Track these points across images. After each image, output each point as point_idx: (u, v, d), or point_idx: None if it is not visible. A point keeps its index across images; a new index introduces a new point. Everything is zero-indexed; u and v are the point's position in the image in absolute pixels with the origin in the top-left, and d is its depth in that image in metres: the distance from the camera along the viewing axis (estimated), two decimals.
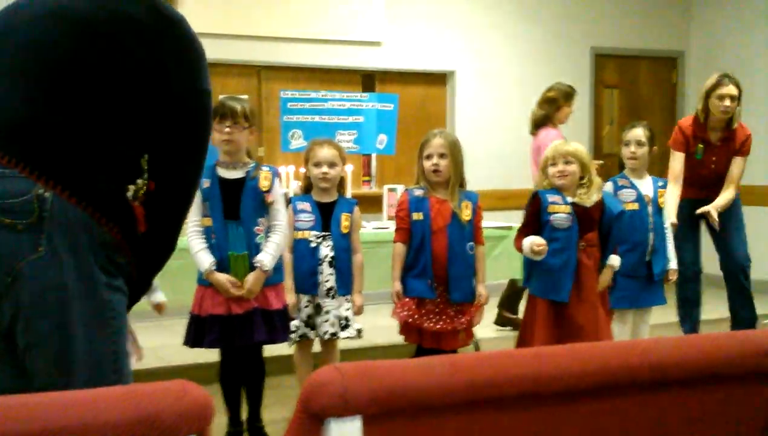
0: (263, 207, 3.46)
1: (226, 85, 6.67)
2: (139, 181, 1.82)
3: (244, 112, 3.42)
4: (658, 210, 4.11)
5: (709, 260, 5.73)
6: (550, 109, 5.66)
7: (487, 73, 7.72)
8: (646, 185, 4.12)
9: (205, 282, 3.44)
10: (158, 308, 3.25)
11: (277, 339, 3.51)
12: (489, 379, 1.20)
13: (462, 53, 7.62)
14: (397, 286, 3.59)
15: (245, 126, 3.43)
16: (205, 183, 3.38)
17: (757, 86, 7.60)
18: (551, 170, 3.54)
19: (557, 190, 3.53)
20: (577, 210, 3.50)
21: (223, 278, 3.36)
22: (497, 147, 7.66)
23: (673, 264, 4.16)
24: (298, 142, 5.34)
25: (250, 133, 3.48)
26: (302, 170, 3.85)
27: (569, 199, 3.51)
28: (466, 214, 3.60)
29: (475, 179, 7.52)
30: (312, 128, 5.39)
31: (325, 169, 3.64)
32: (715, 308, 6.06)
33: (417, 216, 3.59)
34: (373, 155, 7.14)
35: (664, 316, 5.28)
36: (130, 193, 1.81)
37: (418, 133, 4.16)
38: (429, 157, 3.60)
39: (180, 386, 1.13)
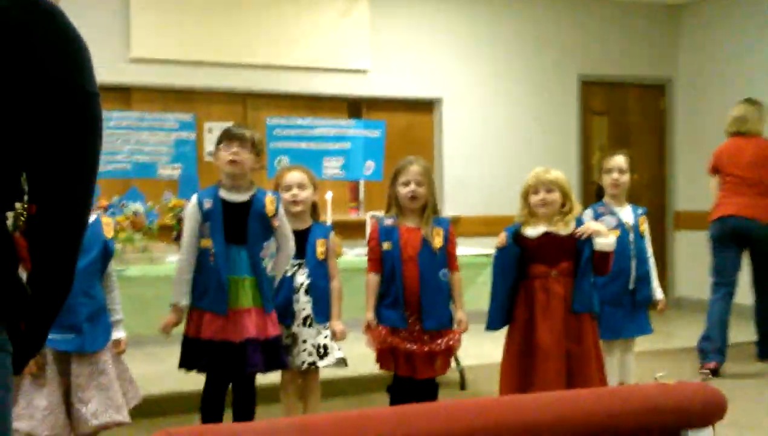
0: (269, 231, 3.45)
1: (211, 112, 6.65)
2: (18, 204, 1.55)
3: (252, 138, 3.44)
4: (640, 237, 4.09)
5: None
6: None
7: (474, 100, 7.73)
8: (626, 213, 4.11)
9: (200, 305, 3.36)
10: (117, 344, 3.15)
11: (284, 364, 3.52)
12: None
13: (449, 80, 7.64)
14: (369, 316, 3.56)
15: (252, 151, 3.43)
16: (207, 203, 3.36)
17: None
18: (533, 199, 3.53)
19: (519, 224, 3.56)
20: (551, 239, 3.48)
21: (171, 320, 3.37)
22: (483, 173, 7.66)
23: (659, 293, 4.13)
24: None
25: (255, 162, 3.48)
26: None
27: (543, 228, 3.49)
28: (437, 242, 3.57)
29: (461, 205, 7.61)
30: (299, 155, 5.37)
31: (294, 191, 3.62)
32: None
33: (387, 246, 3.56)
34: (361, 181, 7.12)
35: (649, 343, 5.26)
36: (9, 222, 1.53)
37: None
38: (406, 184, 3.58)
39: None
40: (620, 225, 4.02)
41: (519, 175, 3.77)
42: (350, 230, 5.55)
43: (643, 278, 4.05)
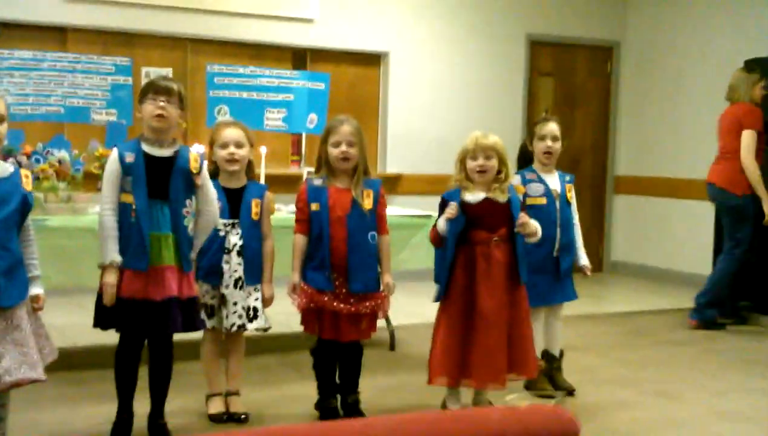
0: (191, 189, 3.31)
1: (150, 56, 6.46)
2: None
3: (179, 93, 3.30)
4: (566, 205, 4.09)
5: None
6: None
7: (421, 56, 7.65)
8: (553, 180, 4.10)
9: (124, 265, 3.21)
10: (35, 300, 2.99)
11: (198, 326, 3.40)
12: None
13: (396, 35, 7.54)
14: (295, 278, 3.50)
15: (179, 105, 3.30)
16: (129, 157, 3.22)
17: (691, 79, 7.67)
18: (471, 164, 3.48)
19: (459, 190, 3.49)
20: (490, 206, 3.46)
21: (112, 282, 3.17)
22: (427, 131, 7.62)
23: (584, 260, 4.14)
24: (224, 118, 5.21)
25: (181, 117, 3.34)
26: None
27: (482, 194, 3.46)
28: (367, 203, 3.51)
29: (404, 163, 7.56)
30: (239, 104, 5.25)
31: (231, 149, 3.52)
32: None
33: (315, 207, 3.49)
34: (303, 135, 7.02)
35: (580, 308, 5.31)
36: None
37: (350, 114, 4.01)
38: (337, 144, 3.51)
39: None
40: (547, 192, 4.02)
41: (463, 134, 3.73)
42: (289, 184, 5.46)
43: (568, 246, 4.06)
